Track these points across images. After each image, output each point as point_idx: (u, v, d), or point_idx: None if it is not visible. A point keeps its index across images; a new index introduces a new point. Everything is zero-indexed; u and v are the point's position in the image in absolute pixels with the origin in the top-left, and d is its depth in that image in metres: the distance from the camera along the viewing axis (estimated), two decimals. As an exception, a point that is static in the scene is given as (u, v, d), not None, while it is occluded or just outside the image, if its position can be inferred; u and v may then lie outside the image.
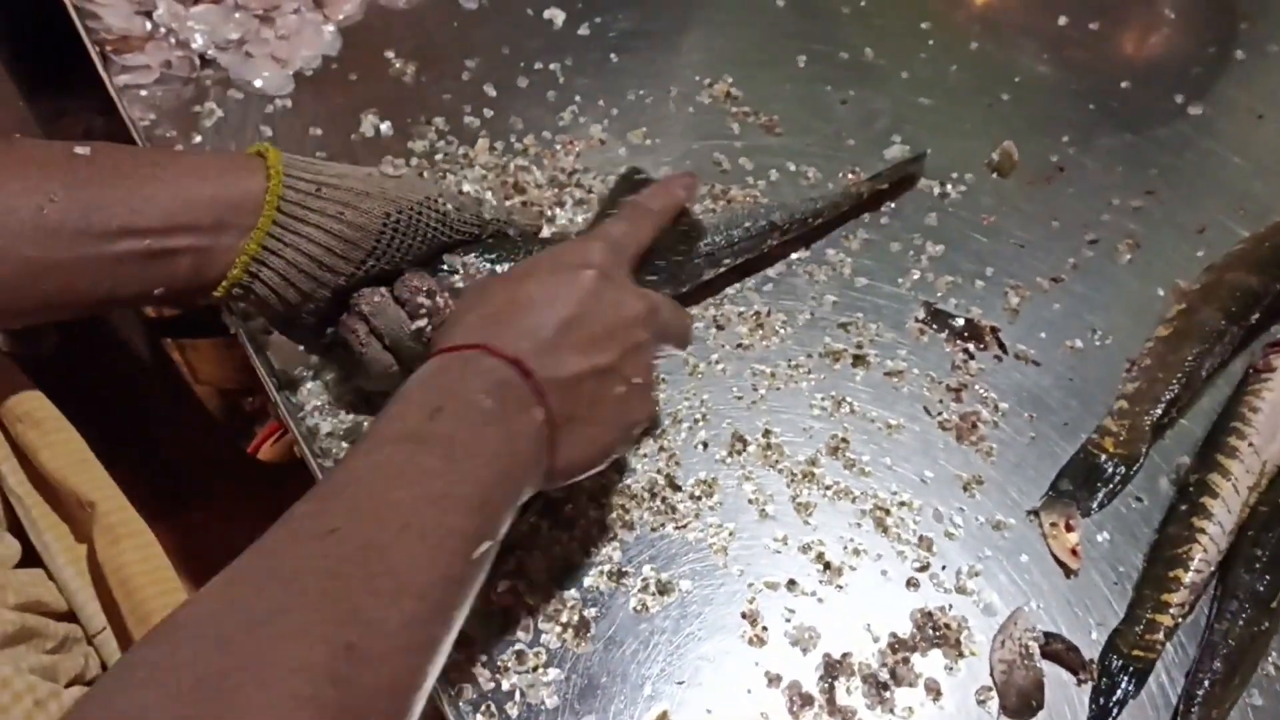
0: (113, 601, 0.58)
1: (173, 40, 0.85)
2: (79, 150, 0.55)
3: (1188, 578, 0.64)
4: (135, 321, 0.98)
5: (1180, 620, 0.63)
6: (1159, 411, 0.70)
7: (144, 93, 0.83)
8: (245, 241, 0.57)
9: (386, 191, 0.61)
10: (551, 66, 0.90)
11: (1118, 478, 0.69)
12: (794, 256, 0.79)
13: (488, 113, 0.86)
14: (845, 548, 0.66)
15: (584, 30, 0.93)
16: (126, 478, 1.02)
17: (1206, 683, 0.61)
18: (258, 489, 1.12)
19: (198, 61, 0.85)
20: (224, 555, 0.45)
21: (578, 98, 0.88)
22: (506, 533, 0.50)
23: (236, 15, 0.86)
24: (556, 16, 0.93)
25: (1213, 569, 0.65)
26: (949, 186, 0.85)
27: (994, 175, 0.87)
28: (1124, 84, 0.95)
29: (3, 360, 0.64)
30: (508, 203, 0.79)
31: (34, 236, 0.52)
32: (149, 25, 0.85)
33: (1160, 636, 0.62)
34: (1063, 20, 0.99)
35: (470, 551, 0.47)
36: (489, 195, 0.67)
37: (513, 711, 0.59)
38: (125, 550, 0.58)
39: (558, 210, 0.80)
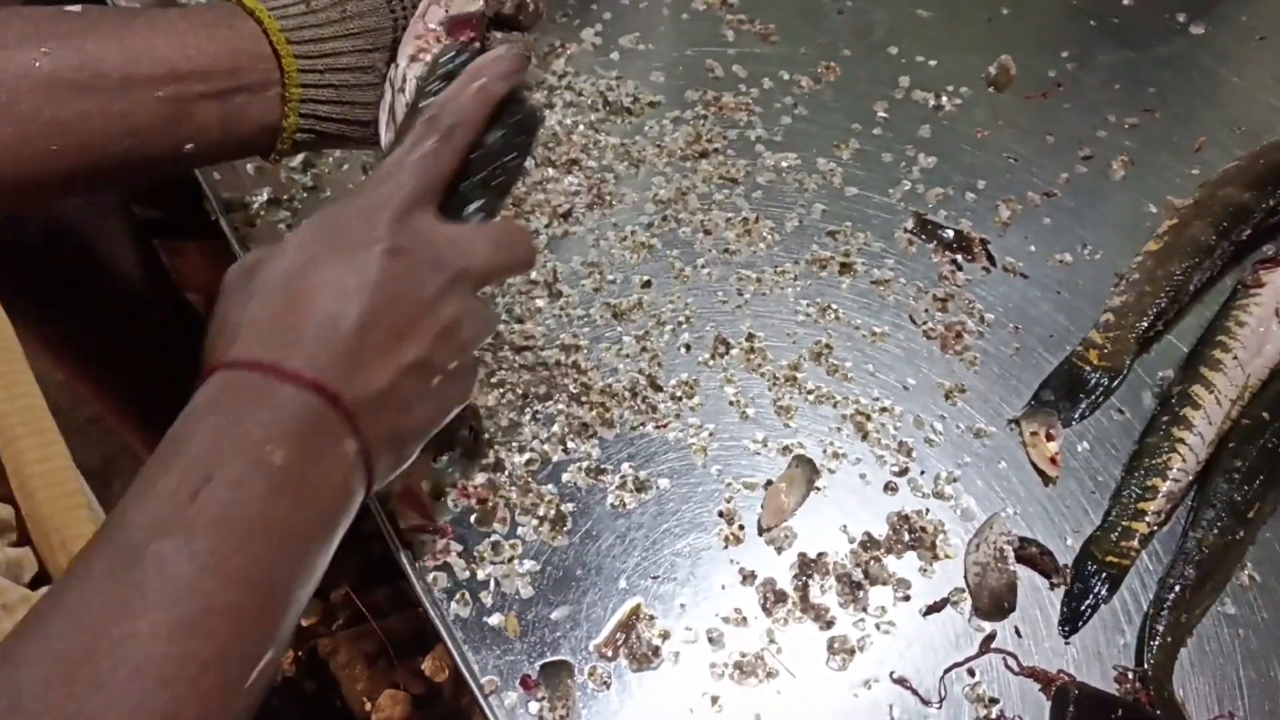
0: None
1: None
2: (68, 8, 0.53)
3: (1165, 486, 0.64)
4: (123, 223, 0.97)
5: (1155, 528, 0.64)
6: (1145, 324, 0.70)
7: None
8: (279, 88, 0.54)
9: None
10: (544, -32, 0.89)
11: (1100, 389, 0.69)
12: (784, 164, 0.79)
13: (478, 13, 0.84)
14: (825, 451, 0.66)
15: (579, -67, 0.91)
16: (114, 382, 1.02)
17: (1177, 588, 0.61)
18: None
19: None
20: None
21: (570, 0, 0.87)
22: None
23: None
24: (551, -82, 0.92)
25: (1191, 479, 0.65)
26: (944, 99, 0.84)
27: (990, 89, 0.86)
28: (1126, 1, 0.93)
29: None
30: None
31: (33, 90, 0.49)
32: None
33: (1135, 544, 0.63)
34: (1067, -64, 0.97)
35: (244, 678, 0.38)
36: None
37: (487, 600, 0.59)
38: (24, 450, 0.55)
39: (548, 113, 0.79)
